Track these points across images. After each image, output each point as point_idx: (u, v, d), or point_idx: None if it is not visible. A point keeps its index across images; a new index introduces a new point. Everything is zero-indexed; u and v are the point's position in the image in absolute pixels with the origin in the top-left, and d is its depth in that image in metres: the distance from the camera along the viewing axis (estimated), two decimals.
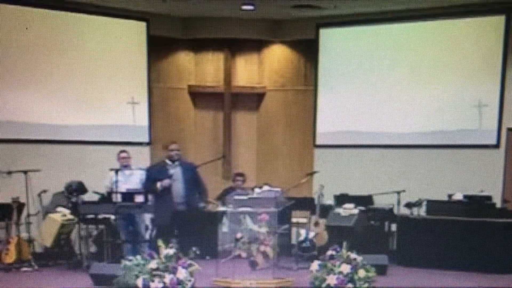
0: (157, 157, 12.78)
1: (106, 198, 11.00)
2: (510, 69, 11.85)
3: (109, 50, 12.55)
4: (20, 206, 10.81)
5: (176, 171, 10.49)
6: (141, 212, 10.54)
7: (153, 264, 8.10)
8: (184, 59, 13.66)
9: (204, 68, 13.77)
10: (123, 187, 10.51)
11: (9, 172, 11.02)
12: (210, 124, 13.82)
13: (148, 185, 10.44)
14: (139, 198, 10.28)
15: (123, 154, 10.96)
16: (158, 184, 10.33)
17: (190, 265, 8.20)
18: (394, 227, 11.53)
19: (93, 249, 11.18)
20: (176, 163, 10.56)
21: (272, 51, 13.77)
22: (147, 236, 10.77)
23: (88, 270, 9.54)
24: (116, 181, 10.36)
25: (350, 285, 8.33)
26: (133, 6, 12.53)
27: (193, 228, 10.48)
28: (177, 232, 10.14)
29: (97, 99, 12.45)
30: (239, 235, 9.10)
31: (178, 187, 10.49)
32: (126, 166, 10.86)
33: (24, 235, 10.87)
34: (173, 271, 8.07)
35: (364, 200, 11.62)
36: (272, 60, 13.78)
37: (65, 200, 11.42)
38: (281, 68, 13.74)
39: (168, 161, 10.53)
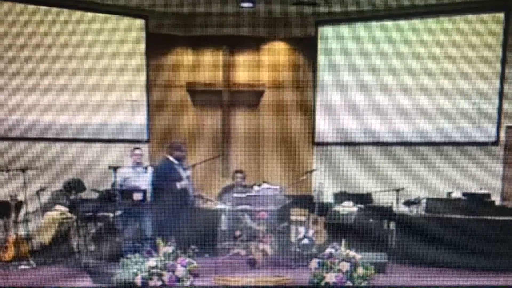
0: (156, 154, 12.79)
1: (104, 196, 11.00)
2: (509, 66, 11.83)
3: (107, 47, 12.52)
4: (19, 204, 10.79)
5: (184, 172, 10.38)
6: (151, 210, 10.52)
7: (151, 262, 8.10)
8: (183, 57, 13.63)
9: (203, 66, 13.74)
10: (135, 185, 10.47)
11: (7, 170, 11.00)
12: (209, 121, 13.80)
13: (164, 184, 10.22)
14: (138, 196, 10.26)
15: (137, 151, 10.90)
16: (178, 185, 10.14)
17: (189, 263, 8.20)
18: (393, 225, 11.53)
19: (91, 247, 11.17)
20: (179, 163, 10.41)
21: (271, 49, 13.74)
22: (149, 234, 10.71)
23: (86, 268, 9.53)
24: (114, 179, 10.35)
25: (349, 283, 8.34)
26: (132, 3, 12.50)
27: (204, 226, 10.48)
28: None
29: (96, 96, 12.42)
30: (238, 233, 9.11)
31: (189, 187, 10.38)
32: (138, 164, 10.80)
33: (22, 233, 10.87)
34: (172, 269, 8.07)
35: (363, 198, 11.61)
36: (271, 57, 13.75)
37: (63, 198, 11.42)
38: (280, 66, 13.71)
39: (175, 161, 10.32)
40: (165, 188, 10.03)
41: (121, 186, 10.57)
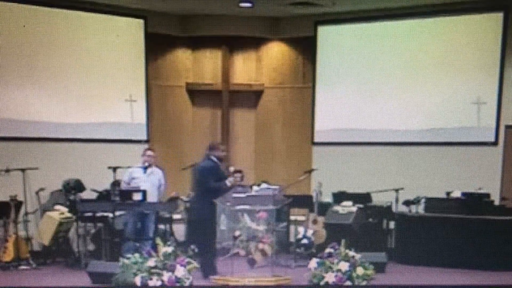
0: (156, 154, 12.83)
1: (104, 196, 11.00)
2: (508, 66, 11.84)
3: (107, 47, 12.53)
4: (18, 204, 10.80)
5: (226, 170, 10.41)
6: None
7: (151, 262, 8.10)
8: (182, 57, 13.64)
9: (202, 66, 13.75)
10: (143, 185, 10.47)
11: (7, 170, 11.01)
12: (208, 121, 13.80)
13: (215, 183, 10.02)
14: (137, 196, 10.26)
15: (147, 152, 10.81)
16: (228, 182, 10.14)
17: (188, 263, 8.21)
18: (392, 224, 11.54)
19: (91, 247, 11.17)
20: (219, 162, 10.45)
21: (270, 49, 13.75)
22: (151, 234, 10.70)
23: (86, 268, 9.53)
24: (113, 179, 10.35)
25: (348, 282, 8.34)
26: (131, 4, 12.51)
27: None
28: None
29: (95, 96, 12.42)
30: (237, 233, 9.10)
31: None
32: (148, 165, 10.73)
33: (22, 233, 10.87)
34: (171, 269, 8.07)
35: (362, 198, 11.61)
36: (270, 57, 13.76)
37: (63, 198, 11.42)
38: (279, 66, 13.72)
39: (217, 161, 10.34)
40: (218, 186, 9.99)
41: (128, 184, 10.55)
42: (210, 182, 9.87)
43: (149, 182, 10.59)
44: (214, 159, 10.12)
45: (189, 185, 12.37)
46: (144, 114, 13.00)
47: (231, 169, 10.38)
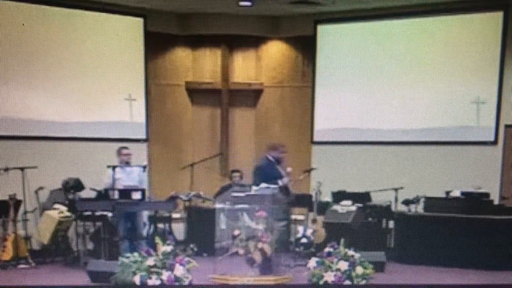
0: (155, 153, 12.83)
1: (103, 195, 10.98)
2: (508, 65, 11.83)
3: (106, 46, 12.52)
4: (17, 203, 10.79)
5: (283, 170, 10.53)
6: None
7: (150, 261, 8.10)
8: (182, 56, 13.62)
9: (202, 65, 13.73)
10: (123, 184, 10.46)
11: (6, 169, 10.99)
12: (208, 120, 13.79)
13: (267, 182, 10.09)
14: (136, 195, 10.26)
15: (125, 151, 10.87)
16: (280, 182, 10.26)
17: (187, 262, 8.21)
18: (391, 224, 11.54)
19: (90, 246, 11.17)
20: (276, 162, 10.59)
21: (270, 48, 13.74)
22: (144, 233, 10.72)
23: (85, 267, 9.53)
24: (113, 178, 10.34)
25: (347, 282, 8.34)
26: (130, 2, 12.50)
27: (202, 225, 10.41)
28: None
29: (94, 95, 12.41)
30: (236, 232, 9.10)
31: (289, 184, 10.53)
32: (127, 163, 10.77)
33: (21, 232, 10.88)
34: (171, 268, 8.07)
35: (361, 197, 11.61)
36: (270, 56, 13.74)
37: (62, 197, 11.41)
38: (279, 65, 13.71)
39: (273, 160, 10.50)
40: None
41: (110, 186, 10.52)
42: (260, 180, 10.07)
43: (130, 180, 10.58)
44: (271, 158, 10.34)
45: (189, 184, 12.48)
46: (143, 113, 13.00)
47: (289, 169, 10.53)
